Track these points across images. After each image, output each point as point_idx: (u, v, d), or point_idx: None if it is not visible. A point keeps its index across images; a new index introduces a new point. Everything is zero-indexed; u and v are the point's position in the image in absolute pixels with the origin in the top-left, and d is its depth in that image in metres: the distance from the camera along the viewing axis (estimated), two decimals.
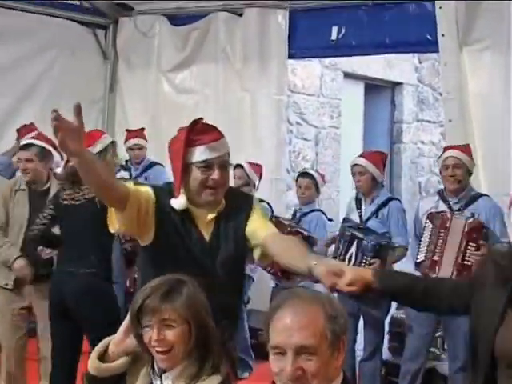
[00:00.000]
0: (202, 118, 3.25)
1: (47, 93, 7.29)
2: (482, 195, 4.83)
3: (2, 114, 6.94)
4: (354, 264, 4.86)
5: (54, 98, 7.25)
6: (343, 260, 4.96)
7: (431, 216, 4.82)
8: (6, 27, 6.75)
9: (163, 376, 2.44)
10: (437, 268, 4.68)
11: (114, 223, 3.07)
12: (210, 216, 3.14)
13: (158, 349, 2.37)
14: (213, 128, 3.24)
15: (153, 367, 2.48)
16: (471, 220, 4.62)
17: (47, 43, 7.27)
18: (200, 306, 2.45)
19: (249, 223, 3.16)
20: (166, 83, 7.41)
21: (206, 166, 3.06)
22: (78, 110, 2.63)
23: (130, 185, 3.11)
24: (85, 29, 7.62)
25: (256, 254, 3.20)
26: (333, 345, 2.04)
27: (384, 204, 5.22)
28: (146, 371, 2.52)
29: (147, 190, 3.08)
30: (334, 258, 5.02)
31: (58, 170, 4.63)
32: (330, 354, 2.04)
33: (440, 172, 5.05)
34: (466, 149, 4.97)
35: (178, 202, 3.08)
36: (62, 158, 4.66)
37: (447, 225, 4.70)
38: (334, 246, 5.24)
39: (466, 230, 4.58)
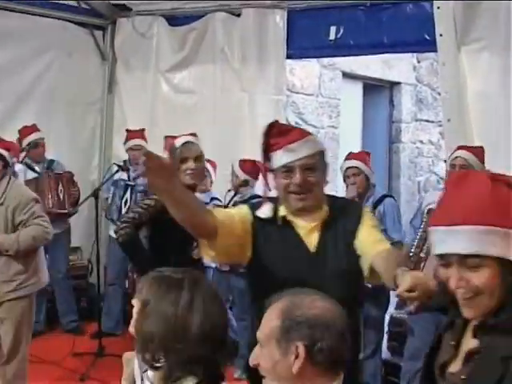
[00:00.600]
0: (277, 121, 3.07)
1: (45, 94, 7.29)
2: None
3: (0, 115, 6.90)
4: None
5: (52, 100, 7.34)
6: None
7: (430, 212, 4.83)
8: (3, 28, 6.73)
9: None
10: (421, 264, 4.69)
11: (208, 252, 2.95)
12: (313, 224, 2.97)
13: None
14: (291, 129, 3.07)
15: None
16: None
17: (45, 44, 7.26)
18: None
19: (358, 234, 2.94)
20: (164, 83, 7.41)
21: (287, 170, 2.91)
22: (171, 150, 2.52)
23: (220, 211, 3.02)
24: (82, 30, 7.61)
25: (365, 271, 2.89)
26: (281, 346, 2.08)
27: (379, 202, 5.24)
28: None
29: (241, 210, 3.02)
30: None
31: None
32: (279, 354, 2.07)
33: (446, 170, 5.05)
34: (476, 150, 4.98)
35: (263, 211, 2.96)
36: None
37: None
38: None
39: None
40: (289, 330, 2.08)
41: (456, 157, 4.91)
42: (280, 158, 2.92)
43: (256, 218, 2.97)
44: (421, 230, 4.83)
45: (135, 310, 2.29)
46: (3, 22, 6.79)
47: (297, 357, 2.06)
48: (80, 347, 5.97)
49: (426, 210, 4.92)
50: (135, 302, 2.29)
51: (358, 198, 5.23)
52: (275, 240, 2.95)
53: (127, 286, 7.04)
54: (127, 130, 6.91)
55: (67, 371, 5.46)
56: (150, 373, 2.38)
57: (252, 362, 2.16)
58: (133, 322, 2.30)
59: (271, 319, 2.13)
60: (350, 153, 5.65)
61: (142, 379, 2.48)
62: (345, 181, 5.36)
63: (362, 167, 5.28)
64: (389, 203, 5.28)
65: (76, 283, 7.07)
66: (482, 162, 4.90)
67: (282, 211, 2.97)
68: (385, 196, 5.45)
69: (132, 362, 2.56)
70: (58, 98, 7.36)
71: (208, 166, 6.28)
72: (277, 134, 2.96)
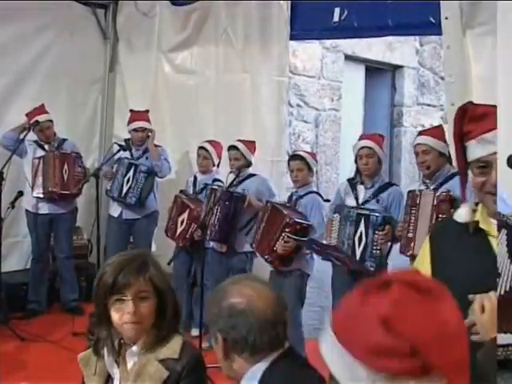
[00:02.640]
0: (471, 102, 2.53)
1: (46, 73, 7.24)
2: (456, 174, 4.69)
3: (1, 93, 6.87)
4: (366, 241, 4.94)
5: (53, 78, 7.29)
6: (353, 242, 4.99)
7: (407, 196, 4.90)
8: (5, 7, 6.68)
9: (128, 353, 2.51)
10: (412, 244, 4.69)
11: None
12: None
13: (131, 321, 2.42)
14: (487, 113, 2.48)
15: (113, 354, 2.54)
16: (439, 193, 4.62)
17: (46, 23, 7.20)
18: (164, 278, 2.53)
19: None
20: (166, 63, 7.37)
21: (483, 165, 2.34)
22: None
23: None
24: (84, 8, 7.56)
25: None
26: (213, 335, 2.22)
27: (383, 188, 5.21)
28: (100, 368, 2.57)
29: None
30: (342, 242, 5.03)
31: None
32: (214, 342, 2.22)
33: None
34: (435, 131, 4.96)
35: (460, 214, 2.44)
36: None
37: (417, 201, 4.74)
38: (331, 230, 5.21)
39: (435, 203, 4.59)
40: (213, 320, 2.21)
41: (416, 144, 4.90)
42: (474, 149, 2.38)
43: (433, 236, 2.55)
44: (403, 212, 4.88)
45: None
46: (4, 1, 6.73)
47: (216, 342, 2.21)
48: (80, 327, 5.76)
49: (406, 192, 4.96)
50: None
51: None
52: (461, 251, 2.42)
53: None
54: (131, 111, 6.88)
55: (67, 350, 5.40)
56: (134, 347, 2.50)
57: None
58: None
59: (209, 308, 2.28)
60: (364, 134, 5.58)
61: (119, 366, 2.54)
62: (356, 161, 5.30)
63: (376, 149, 5.23)
64: (396, 192, 5.19)
65: (76, 263, 7.07)
66: (444, 141, 4.84)
67: (477, 215, 2.43)
68: (391, 184, 5.40)
69: (92, 360, 2.59)
70: (60, 76, 7.32)
71: (209, 147, 6.27)
72: (471, 120, 2.43)
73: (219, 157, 6.34)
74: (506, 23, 2.94)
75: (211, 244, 5.99)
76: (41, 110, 6.57)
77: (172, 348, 2.46)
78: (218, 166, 6.37)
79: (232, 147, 5.93)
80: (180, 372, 2.43)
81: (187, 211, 6.16)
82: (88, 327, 2.60)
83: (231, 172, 5.88)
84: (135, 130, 6.70)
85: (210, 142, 6.34)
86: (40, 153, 6.67)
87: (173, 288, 2.61)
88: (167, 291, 2.51)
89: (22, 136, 6.41)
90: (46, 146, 6.69)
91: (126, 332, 2.47)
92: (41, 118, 6.52)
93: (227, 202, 5.74)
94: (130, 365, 2.51)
